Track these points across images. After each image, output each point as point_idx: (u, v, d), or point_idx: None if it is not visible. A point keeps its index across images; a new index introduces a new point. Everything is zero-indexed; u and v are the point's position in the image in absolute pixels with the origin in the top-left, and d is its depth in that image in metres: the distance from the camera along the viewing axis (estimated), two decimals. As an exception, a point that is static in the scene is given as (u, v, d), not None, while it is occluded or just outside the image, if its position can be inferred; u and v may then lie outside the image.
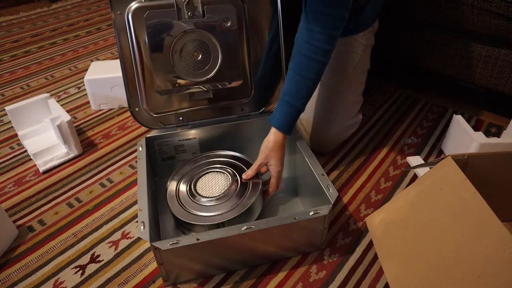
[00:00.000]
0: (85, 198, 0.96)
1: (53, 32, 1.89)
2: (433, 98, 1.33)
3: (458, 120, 1.01)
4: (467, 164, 0.72)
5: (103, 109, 1.30)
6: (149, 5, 0.83)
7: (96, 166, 1.06)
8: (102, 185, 0.99)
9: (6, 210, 0.93)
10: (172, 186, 0.86)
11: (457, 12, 1.07)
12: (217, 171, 0.89)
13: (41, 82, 1.47)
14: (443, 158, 0.69)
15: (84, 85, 1.34)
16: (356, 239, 0.84)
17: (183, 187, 0.86)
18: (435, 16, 1.14)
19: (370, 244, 0.83)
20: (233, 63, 0.90)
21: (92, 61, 1.57)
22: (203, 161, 0.92)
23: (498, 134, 1.15)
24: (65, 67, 1.57)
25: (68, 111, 1.20)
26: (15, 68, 1.57)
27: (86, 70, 1.36)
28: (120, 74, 1.22)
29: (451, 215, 0.65)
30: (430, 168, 0.72)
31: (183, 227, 0.82)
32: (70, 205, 0.94)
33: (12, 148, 1.14)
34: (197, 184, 0.86)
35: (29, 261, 0.81)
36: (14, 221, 0.89)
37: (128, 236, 0.86)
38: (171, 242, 0.67)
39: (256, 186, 0.84)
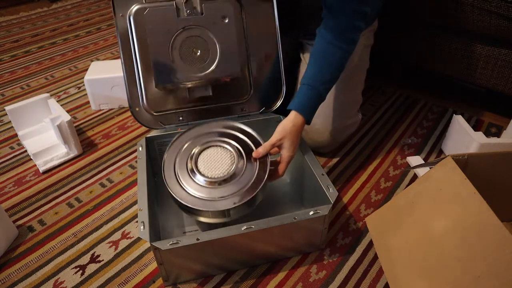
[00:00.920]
0: (85, 198, 0.96)
1: (53, 32, 1.89)
2: (433, 98, 1.33)
3: (458, 120, 1.01)
4: (467, 164, 0.72)
5: (103, 109, 1.30)
6: (150, 6, 0.85)
7: (96, 166, 1.06)
8: (102, 185, 0.99)
9: (6, 210, 0.93)
10: (169, 160, 0.80)
11: (457, 12, 1.07)
12: (220, 146, 0.82)
13: (41, 82, 1.47)
14: (443, 158, 0.69)
15: (84, 85, 1.34)
16: (356, 239, 0.84)
17: (182, 163, 0.79)
18: (435, 16, 1.14)
19: (370, 244, 0.83)
20: (231, 58, 0.91)
21: (92, 61, 1.57)
22: (204, 132, 0.85)
23: (498, 134, 1.15)
24: (65, 67, 1.57)
25: (68, 111, 1.20)
26: (15, 68, 1.57)
27: (86, 70, 1.36)
28: (120, 74, 1.23)
29: (451, 215, 0.65)
30: (430, 168, 0.72)
31: (183, 209, 0.78)
32: (70, 205, 0.94)
33: (12, 148, 1.14)
34: (199, 160, 0.80)
35: (29, 261, 0.81)
36: (14, 221, 0.89)
37: (128, 236, 0.86)
38: (171, 242, 0.67)
39: (263, 167, 0.79)
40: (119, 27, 0.86)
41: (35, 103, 1.11)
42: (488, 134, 1.15)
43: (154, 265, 0.79)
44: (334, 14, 0.79)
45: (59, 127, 1.01)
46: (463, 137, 0.99)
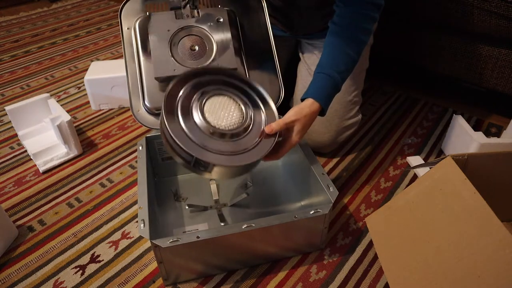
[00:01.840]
0: (85, 198, 0.96)
1: (53, 32, 1.89)
2: (433, 98, 1.33)
3: (458, 120, 1.01)
4: (467, 164, 0.72)
5: (103, 109, 1.30)
6: (152, 15, 0.92)
7: (96, 166, 1.06)
8: (102, 185, 0.99)
9: (6, 210, 0.93)
10: (174, 92, 0.73)
11: (457, 12, 1.07)
12: (234, 100, 0.77)
13: (41, 82, 1.47)
14: (443, 158, 0.69)
15: (84, 85, 1.34)
16: (356, 239, 0.84)
17: (187, 99, 0.73)
18: (435, 16, 1.14)
19: (370, 244, 0.83)
20: (227, 53, 0.93)
21: (92, 61, 1.57)
22: (211, 78, 0.79)
23: (498, 134, 1.15)
24: (65, 67, 1.57)
25: (68, 111, 1.20)
26: (15, 68, 1.57)
27: (86, 70, 1.36)
28: (120, 74, 1.25)
29: (451, 215, 0.65)
30: (430, 168, 0.72)
31: (168, 142, 0.72)
32: (70, 205, 0.94)
33: (12, 148, 1.14)
34: (207, 103, 0.74)
35: (29, 261, 0.81)
36: (14, 221, 0.89)
37: (128, 236, 0.86)
38: (171, 240, 0.67)
39: (268, 142, 0.74)
40: (125, 38, 0.93)
41: (35, 103, 1.11)
42: (488, 134, 1.16)
43: (154, 265, 0.79)
44: (348, 4, 0.77)
45: (59, 127, 1.01)
46: (463, 137, 0.99)
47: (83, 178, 1.02)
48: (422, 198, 0.71)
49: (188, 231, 0.85)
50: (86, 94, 1.34)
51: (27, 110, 1.10)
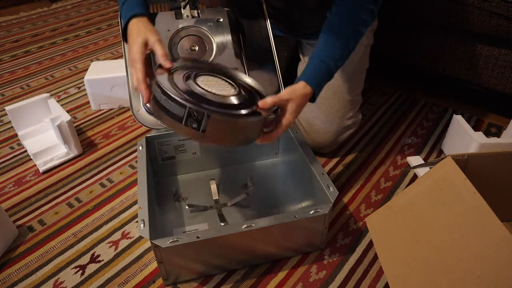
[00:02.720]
0: (85, 198, 0.96)
1: (53, 32, 1.89)
2: (433, 98, 1.33)
3: (458, 120, 1.01)
4: (467, 164, 0.72)
5: (103, 109, 1.30)
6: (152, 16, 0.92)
7: (96, 166, 1.06)
8: (102, 185, 0.99)
9: (6, 210, 0.93)
10: (161, 72, 0.69)
11: (457, 12, 1.07)
12: (225, 80, 0.75)
13: (41, 82, 1.47)
14: (443, 158, 0.69)
15: (84, 85, 1.34)
16: (356, 239, 0.84)
17: (180, 70, 0.71)
18: (435, 17, 1.14)
19: (370, 244, 0.83)
20: (227, 52, 0.93)
21: (92, 61, 1.57)
22: (203, 66, 0.78)
23: (498, 134, 1.15)
24: (65, 67, 1.57)
25: (68, 111, 1.20)
26: (15, 68, 1.57)
27: (86, 70, 1.36)
28: (120, 74, 1.25)
29: (451, 215, 0.65)
30: (430, 168, 0.72)
31: (157, 101, 0.66)
32: (70, 205, 0.94)
33: (12, 148, 1.14)
34: (198, 78, 0.71)
35: (29, 261, 0.81)
36: (14, 221, 0.89)
37: (128, 236, 0.86)
38: (171, 240, 0.67)
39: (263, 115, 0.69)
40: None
41: (35, 103, 1.11)
42: (488, 134, 1.16)
43: (154, 265, 0.79)
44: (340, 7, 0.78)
45: (59, 127, 1.01)
46: (463, 137, 0.99)
47: (83, 178, 1.02)
48: (422, 198, 0.71)
49: (188, 231, 0.85)
50: (86, 94, 1.34)
51: (27, 110, 1.10)
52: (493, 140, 0.95)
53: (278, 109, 0.74)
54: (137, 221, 0.89)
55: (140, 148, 0.87)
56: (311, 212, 0.72)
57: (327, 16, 0.82)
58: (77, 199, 0.95)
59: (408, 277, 0.69)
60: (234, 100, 0.68)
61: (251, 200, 0.92)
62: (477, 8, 1.03)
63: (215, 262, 0.75)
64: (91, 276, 0.77)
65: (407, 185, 0.98)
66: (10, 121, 1.23)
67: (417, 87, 1.39)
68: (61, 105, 1.17)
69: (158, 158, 0.95)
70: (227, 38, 0.94)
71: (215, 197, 0.92)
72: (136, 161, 1.02)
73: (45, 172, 1.04)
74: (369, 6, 0.79)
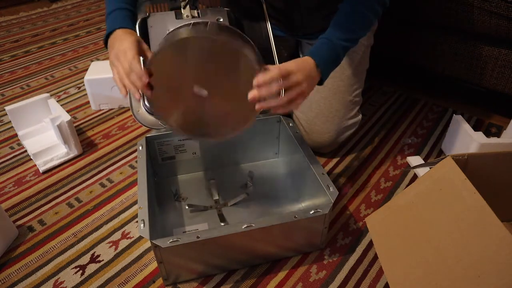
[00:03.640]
0: (85, 198, 0.96)
1: (53, 32, 1.89)
2: (433, 98, 1.33)
3: (458, 120, 1.01)
4: (467, 164, 0.72)
5: (103, 109, 1.30)
6: (152, 15, 0.92)
7: (96, 166, 1.06)
8: (102, 185, 0.99)
9: (6, 210, 0.93)
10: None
11: (457, 12, 1.07)
12: None
13: (41, 82, 1.47)
14: (443, 158, 0.69)
15: (84, 85, 1.34)
16: (356, 239, 0.84)
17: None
18: (435, 17, 1.14)
19: (370, 244, 0.83)
20: None
21: (92, 61, 1.57)
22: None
23: (498, 134, 1.15)
24: (65, 67, 1.57)
25: (68, 111, 1.20)
26: (15, 68, 1.57)
27: (86, 70, 1.36)
28: (120, 74, 1.24)
29: (451, 215, 0.65)
30: (430, 168, 0.72)
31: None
32: (70, 205, 0.94)
33: (12, 148, 1.14)
34: None
35: (29, 261, 0.81)
36: (14, 221, 0.89)
37: (128, 236, 0.86)
38: (171, 240, 0.67)
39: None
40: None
41: (35, 103, 1.11)
42: (488, 134, 1.16)
43: (154, 265, 0.79)
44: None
45: (59, 127, 1.01)
46: (463, 137, 0.99)
47: (83, 178, 1.02)
48: (422, 198, 0.71)
49: (188, 231, 0.85)
50: (86, 94, 1.34)
51: (27, 110, 1.10)
52: (493, 140, 0.95)
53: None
54: (137, 221, 0.89)
55: (140, 148, 0.87)
56: (311, 212, 0.72)
57: (338, 7, 0.80)
58: (77, 199, 0.95)
59: (408, 277, 0.69)
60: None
61: (251, 200, 0.92)
62: (477, 8, 1.03)
63: (215, 262, 0.75)
64: (91, 276, 0.77)
65: (407, 185, 0.98)
66: (10, 121, 1.23)
67: (417, 87, 1.39)
68: (61, 105, 1.17)
69: (158, 158, 0.95)
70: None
71: (215, 197, 0.92)
72: (136, 161, 1.02)
73: (45, 172, 1.04)
74: (376, 7, 0.79)
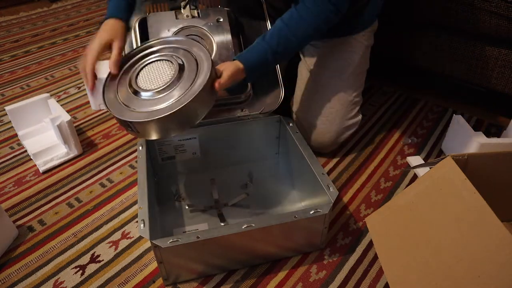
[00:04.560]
0: (85, 198, 0.96)
1: (53, 32, 1.89)
2: (433, 98, 1.33)
3: (458, 120, 1.01)
4: (467, 164, 0.72)
5: (103, 109, 1.30)
6: (152, 14, 0.93)
7: (96, 166, 1.06)
8: (102, 185, 0.99)
9: (6, 210, 0.93)
10: (110, 88, 0.77)
11: (456, 12, 1.07)
12: (161, 60, 0.79)
13: (41, 82, 1.47)
14: (443, 158, 0.69)
15: (84, 85, 1.34)
16: (356, 239, 0.84)
17: (123, 86, 0.76)
18: (435, 17, 1.14)
19: (370, 244, 0.83)
20: (227, 52, 0.94)
21: (92, 61, 1.57)
22: (145, 52, 0.82)
23: (498, 134, 1.15)
24: (65, 67, 1.57)
25: (68, 111, 1.20)
26: (15, 68, 1.57)
27: (86, 70, 1.36)
28: (120, 74, 1.24)
29: (451, 215, 0.65)
30: (430, 168, 0.72)
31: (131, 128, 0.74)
32: (70, 205, 0.94)
33: (12, 148, 1.14)
34: (138, 77, 0.77)
35: (29, 261, 0.81)
36: (14, 221, 0.89)
37: (128, 236, 0.86)
38: (171, 240, 0.67)
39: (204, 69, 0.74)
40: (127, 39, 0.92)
41: (35, 103, 1.11)
42: (488, 134, 1.15)
43: (154, 265, 0.79)
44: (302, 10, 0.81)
45: (59, 127, 1.01)
46: (463, 137, 0.99)
47: (83, 178, 1.02)
48: (422, 198, 0.71)
49: (188, 231, 0.85)
50: (86, 94, 1.34)
51: (27, 110, 1.10)
52: (493, 140, 0.95)
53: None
54: (137, 221, 0.89)
55: (140, 148, 0.87)
56: (311, 212, 0.72)
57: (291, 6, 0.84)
58: (77, 199, 0.95)
59: (408, 277, 0.69)
60: (165, 91, 0.73)
61: (251, 200, 0.92)
62: (477, 8, 1.03)
63: (215, 262, 0.75)
64: (91, 276, 0.77)
65: (407, 185, 0.98)
66: (10, 121, 1.23)
67: (417, 87, 1.39)
68: (61, 105, 1.17)
69: (158, 158, 0.95)
70: (227, 38, 0.94)
71: (215, 197, 0.92)
72: (136, 161, 1.02)
73: (45, 172, 1.04)
74: (331, 16, 0.81)
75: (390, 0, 1.07)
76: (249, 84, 0.96)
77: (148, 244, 0.83)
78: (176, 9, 0.94)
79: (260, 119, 0.95)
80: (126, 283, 0.76)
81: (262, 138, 0.85)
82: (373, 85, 1.38)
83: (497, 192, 0.75)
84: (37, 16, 2.09)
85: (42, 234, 0.87)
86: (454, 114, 1.04)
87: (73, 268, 0.79)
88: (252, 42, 0.95)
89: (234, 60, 0.82)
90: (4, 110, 1.20)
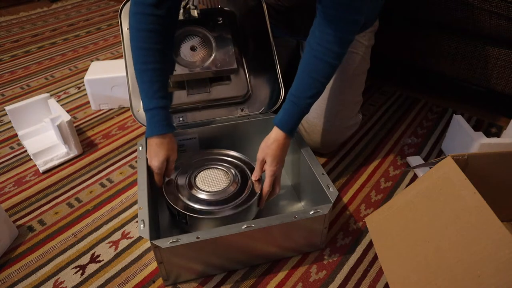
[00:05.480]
0: (85, 198, 0.96)
1: (53, 32, 1.89)
2: (433, 98, 1.33)
3: (458, 120, 1.01)
4: (467, 164, 0.72)
5: (103, 109, 1.30)
6: None
7: (96, 166, 1.06)
8: (102, 185, 0.99)
9: (6, 210, 0.93)
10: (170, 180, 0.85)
11: (457, 12, 1.07)
12: (219, 168, 0.87)
13: (41, 82, 1.47)
14: (443, 158, 0.69)
15: (84, 85, 1.34)
16: (356, 239, 0.84)
17: (181, 179, 0.84)
18: (435, 17, 1.14)
19: (370, 244, 0.83)
20: (227, 52, 0.93)
21: (92, 61, 1.57)
22: (206, 157, 0.90)
23: (498, 134, 1.15)
24: (65, 67, 1.57)
25: (68, 111, 1.20)
26: (15, 68, 1.57)
27: (86, 70, 1.36)
28: (120, 74, 1.25)
29: (451, 215, 0.65)
30: (430, 168, 0.72)
31: (179, 216, 0.80)
32: (70, 205, 0.94)
33: (12, 148, 1.14)
34: (197, 177, 0.85)
35: (29, 261, 0.81)
36: (14, 221, 0.89)
37: (128, 236, 0.86)
38: (171, 241, 0.67)
39: (254, 191, 0.82)
40: (125, 38, 0.94)
41: (35, 103, 1.11)
42: (488, 134, 1.16)
43: (154, 265, 0.79)
44: (325, 24, 0.77)
45: (59, 127, 1.01)
46: (463, 137, 0.99)
47: (83, 178, 1.02)
48: (422, 198, 0.71)
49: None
50: (86, 94, 1.34)
51: (27, 110, 1.10)
52: (493, 140, 0.95)
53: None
54: (137, 221, 0.89)
55: (140, 148, 0.87)
56: (311, 212, 0.72)
57: (305, 44, 0.82)
58: (77, 199, 0.95)
59: (408, 277, 0.69)
60: (224, 193, 0.81)
61: (251, 200, 0.92)
62: (477, 8, 1.03)
63: (215, 262, 0.75)
64: (91, 276, 0.77)
65: (407, 185, 0.98)
66: (10, 121, 1.23)
67: (417, 87, 1.39)
68: (61, 105, 1.17)
69: (158, 158, 0.94)
70: (227, 38, 0.94)
71: (215, 197, 0.92)
72: (136, 161, 1.02)
73: (45, 172, 1.04)
74: (349, 37, 0.78)
75: (390, 0, 1.07)
76: (249, 84, 0.96)
77: (148, 244, 0.83)
78: None
79: (260, 119, 0.95)
80: (126, 283, 0.76)
81: (262, 138, 0.85)
82: (373, 85, 1.38)
83: (497, 192, 0.75)
84: (37, 16, 2.09)
85: (42, 234, 0.87)
86: (454, 114, 1.04)
87: (73, 268, 0.79)
88: (252, 42, 0.95)
89: (276, 126, 0.81)
90: (4, 110, 1.21)
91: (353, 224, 0.88)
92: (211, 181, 0.84)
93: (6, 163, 1.08)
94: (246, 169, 0.88)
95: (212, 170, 0.87)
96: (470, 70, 1.17)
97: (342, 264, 0.79)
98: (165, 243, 0.66)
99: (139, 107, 0.92)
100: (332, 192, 0.75)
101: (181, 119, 0.93)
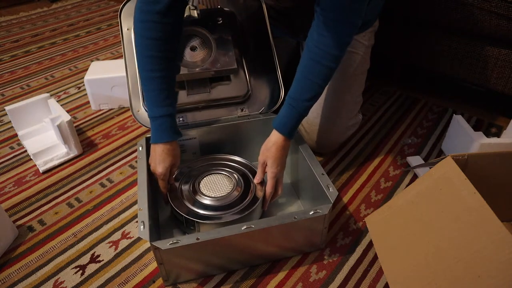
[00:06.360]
0: (85, 198, 0.96)
1: (53, 32, 1.89)
2: (433, 98, 1.33)
3: (458, 120, 1.01)
4: (467, 164, 0.72)
5: (103, 109, 1.30)
6: None
7: (96, 166, 1.06)
8: (102, 185, 0.99)
9: (6, 210, 0.93)
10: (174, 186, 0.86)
11: (456, 12, 1.07)
12: (222, 174, 0.88)
13: (41, 82, 1.47)
14: (443, 158, 0.69)
15: (84, 85, 1.34)
16: (356, 239, 0.84)
17: (185, 185, 0.85)
18: (435, 17, 1.14)
19: (370, 244, 0.83)
20: (227, 52, 0.93)
21: (92, 61, 1.57)
22: (208, 163, 0.92)
23: (498, 134, 1.15)
24: (65, 67, 1.57)
25: (68, 111, 1.20)
26: (15, 68, 1.57)
27: (86, 70, 1.36)
28: (120, 74, 1.25)
29: (451, 215, 0.65)
30: (430, 168, 0.72)
31: (183, 222, 0.82)
32: (70, 205, 0.94)
33: (12, 148, 1.14)
34: (201, 183, 0.86)
35: (29, 261, 0.81)
36: (14, 221, 0.89)
37: (128, 236, 0.86)
38: (171, 242, 0.67)
39: (257, 196, 0.83)
40: (125, 39, 0.94)
41: (35, 103, 1.11)
42: (488, 134, 1.15)
43: (154, 265, 0.79)
44: (324, 26, 0.77)
45: (59, 127, 1.01)
46: (463, 137, 0.99)
47: (83, 178, 1.02)
48: (422, 198, 0.71)
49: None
50: (86, 94, 1.34)
51: (27, 110, 1.10)
52: (493, 140, 0.95)
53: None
54: (137, 221, 0.89)
55: (140, 148, 0.87)
56: (310, 213, 0.72)
57: (304, 46, 0.82)
58: (77, 199, 0.95)
59: (408, 277, 0.69)
60: (228, 198, 0.82)
61: (251, 200, 0.92)
62: (477, 8, 1.03)
63: (215, 262, 0.75)
64: (91, 276, 0.77)
65: (407, 185, 0.98)
66: (10, 121, 1.23)
67: (417, 87, 1.39)
68: (61, 105, 1.17)
69: (158, 158, 0.94)
70: (227, 38, 0.94)
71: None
72: (136, 161, 1.02)
73: (45, 172, 1.04)
74: (347, 39, 0.77)
75: (390, 0, 1.07)
76: (249, 84, 0.96)
77: (148, 244, 0.83)
78: None
79: (260, 119, 0.95)
80: (126, 283, 0.76)
81: (262, 138, 0.85)
82: (373, 85, 1.38)
83: (497, 192, 0.75)
84: (37, 16, 2.09)
85: (42, 234, 0.87)
86: (454, 114, 1.04)
87: (73, 268, 0.79)
88: (252, 42, 0.95)
89: (275, 129, 0.82)
90: (4, 110, 1.21)
91: (353, 224, 0.88)
92: (215, 187, 0.85)
93: (6, 163, 1.08)
94: (248, 173, 0.89)
95: (215, 175, 0.88)
96: (470, 70, 1.17)
97: (342, 264, 0.79)
98: (165, 244, 0.66)
99: (139, 107, 0.92)
100: (332, 192, 0.75)
101: (181, 119, 0.93)
